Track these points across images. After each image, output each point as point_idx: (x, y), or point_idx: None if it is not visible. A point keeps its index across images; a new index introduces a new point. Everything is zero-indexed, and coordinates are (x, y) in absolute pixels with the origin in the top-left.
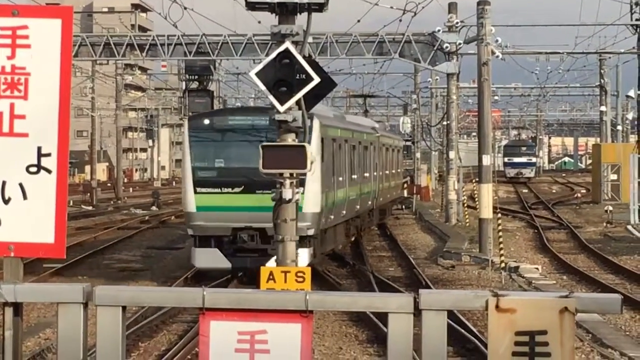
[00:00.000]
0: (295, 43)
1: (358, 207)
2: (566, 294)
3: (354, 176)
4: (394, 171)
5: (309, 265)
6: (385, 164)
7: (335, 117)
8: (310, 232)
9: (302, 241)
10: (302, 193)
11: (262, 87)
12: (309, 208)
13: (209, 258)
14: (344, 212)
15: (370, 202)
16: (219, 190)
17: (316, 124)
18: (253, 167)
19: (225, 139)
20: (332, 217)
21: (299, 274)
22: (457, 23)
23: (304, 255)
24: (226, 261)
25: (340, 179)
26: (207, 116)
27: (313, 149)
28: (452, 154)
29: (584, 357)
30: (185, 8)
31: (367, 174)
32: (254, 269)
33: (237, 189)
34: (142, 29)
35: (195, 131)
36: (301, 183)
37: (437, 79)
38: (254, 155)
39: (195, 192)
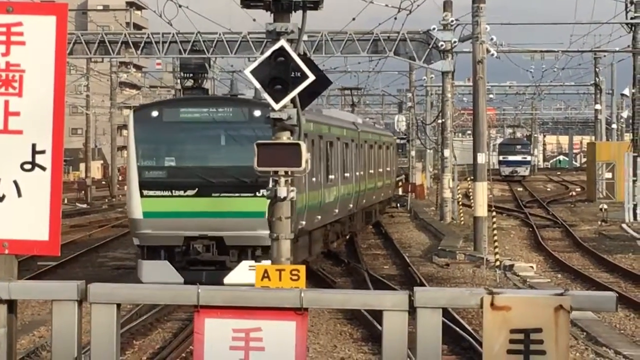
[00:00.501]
0: (290, 41)
1: (337, 210)
2: (561, 292)
3: (331, 176)
4: (381, 170)
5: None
6: (369, 162)
7: (308, 111)
8: (301, 224)
9: (265, 252)
10: (265, 196)
11: (257, 85)
12: None
13: (158, 272)
14: (319, 217)
15: (352, 205)
16: (169, 193)
17: None
18: (208, 166)
19: (177, 134)
20: (304, 223)
21: (294, 272)
22: (452, 21)
23: None
24: (178, 275)
25: (314, 180)
26: (155, 107)
27: None
28: (447, 152)
29: (578, 355)
30: (180, 6)
31: (347, 174)
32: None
33: (190, 192)
34: (137, 26)
35: (141, 125)
36: (263, 185)
37: (432, 77)
38: (210, 152)
39: (142, 196)
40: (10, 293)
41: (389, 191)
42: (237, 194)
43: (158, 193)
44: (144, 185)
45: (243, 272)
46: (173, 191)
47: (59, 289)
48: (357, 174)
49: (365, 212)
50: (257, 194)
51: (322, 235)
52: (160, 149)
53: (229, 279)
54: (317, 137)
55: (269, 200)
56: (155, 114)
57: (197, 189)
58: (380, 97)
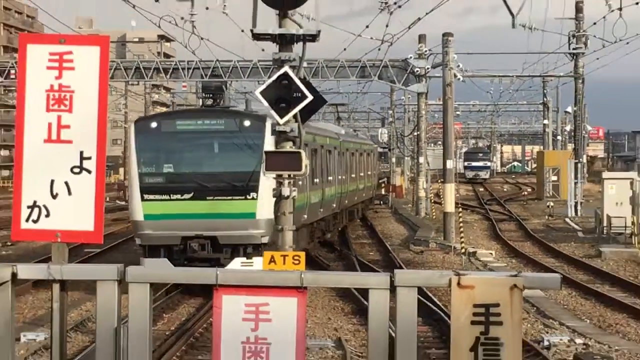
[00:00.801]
0: (292, 67)
1: (322, 210)
2: (515, 273)
3: (316, 180)
4: (362, 174)
5: None
6: (351, 167)
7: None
8: (265, 239)
9: (256, 250)
10: (255, 199)
11: (266, 104)
12: (263, 214)
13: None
14: (305, 216)
15: (335, 205)
16: (167, 197)
17: (269, 126)
18: (203, 172)
19: (174, 143)
20: (306, 216)
21: (296, 257)
22: (425, 51)
23: (259, 265)
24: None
25: (300, 182)
26: (154, 119)
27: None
28: (421, 159)
29: (529, 326)
30: (202, 38)
31: (330, 178)
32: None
33: (186, 196)
34: (167, 55)
35: (142, 135)
36: (253, 189)
37: (409, 97)
38: (204, 159)
39: (143, 200)
40: (62, 274)
41: (370, 192)
42: (229, 197)
43: (157, 197)
44: (144, 190)
45: (236, 268)
46: (171, 195)
47: (102, 271)
48: (340, 177)
49: (348, 211)
50: (248, 196)
51: (307, 233)
52: (159, 157)
53: None
54: (303, 145)
55: (259, 200)
56: (154, 125)
57: (192, 192)
58: (366, 114)
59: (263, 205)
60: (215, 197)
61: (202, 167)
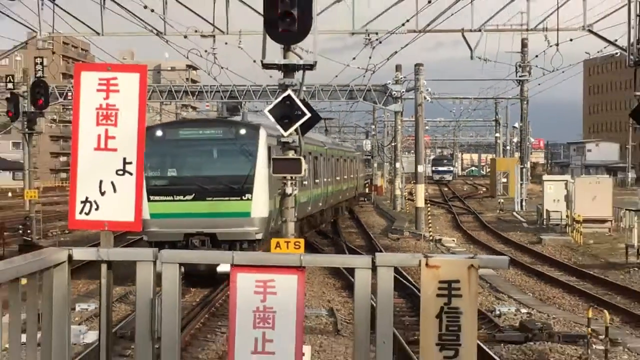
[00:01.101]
0: (294, 90)
1: (309, 208)
2: (472, 256)
3: (305, 182)
4: (345, 177)
5: None
6: (335, 171)
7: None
8: (259, 236)
9: (251, 245)
10: (250, 199)
11: (272, 120)
12: (257, 213)
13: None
14: (295, 213)
15: (321, 204)
16: (171, 198)
17: (262, 134)
18: (203, 175)
19: (178, 150)
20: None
21: (296, 244)
22: (401, 78)
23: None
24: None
25: (329, 178)
26: (160, 128)
27: (260, 158)
28: (398, 165)
29: (484, 299)
30: (221, 67)
31: (317, 180)
32: (205, 272)
33: (188, 197)
34: (193, 81)
35: (148, 142)
36: (248, 190)
37: (388, 115)
38: (204, 164)
39: (149, 200)
40: (109, 256)
41: (353, 192)
42: (226, 198)
43: (162, 198)
44: (150, 191)
45: None
46: (174, 196)
47: (141, 253)
48: (325, 180)
49: (334, 208)
50: (243, 197)
51: (297, 228)
52: (164, 162)
53: (220, 267)
54: (310, 153)
55: (253, 201)
56: (159, 133)
57: (194, 194)
58: (354, 128)
59: (257, 205)
60: (214, 198)
61: (202, 171)
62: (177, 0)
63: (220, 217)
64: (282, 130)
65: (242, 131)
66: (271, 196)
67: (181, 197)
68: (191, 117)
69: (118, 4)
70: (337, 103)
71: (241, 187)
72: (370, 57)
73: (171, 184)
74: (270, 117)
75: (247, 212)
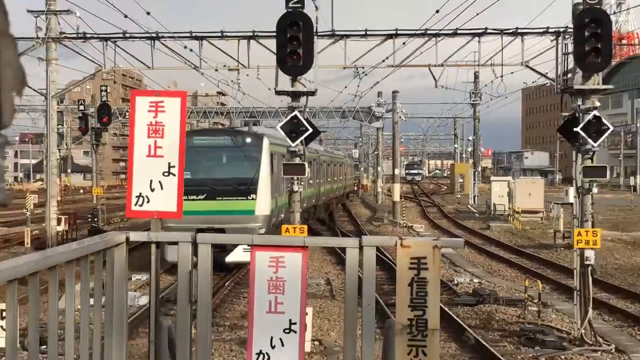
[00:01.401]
0: (299, 111)
1: (304, 205)
2: (436, 238)
3: (328, 179)
4: (335, 178)
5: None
6: (326, 174)
7: (284, 139)
8: (262, 231)
9: None
10: (254, 199)
11: (283, 134)
12: (261, 211)
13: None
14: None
15: (314, 200)
16: (186, 197)
17: (265, 142)
18: (214, 178)
19: (192, 155)
20: (282, 215)
21: (301, 229)
22: (382, 102)
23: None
24: (192, 256)
25: (321, 180)
26: None
27: (263, 163)
28: (379, 168)
29: (445, 271)
30: (244, 93)
31: (311, 181)
32: (215, 262)
33: (201, 196)
34: (222, 104)
35: None
36: (253, 191)
37: (371, 130)
38: (215, 168)
39: None
40: (157, 238)
41: (342, 191)
42: (234, 198)
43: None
44: None
45: (239, 253)
46: (189, 196)
47: (182, 236)
48: (317, 181)
49: (325, 204)
50: (248, 197)
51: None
52: None
53: (228, 258)
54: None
55: (257, 200)
56: None
57: (206, 194)
58: (345, 140)
59: (260, 204)
60: (223, 198)
61: (213, 174)
62: (210, 42)
63: (229, 215)
64: (290, 142)
65: (248, 140)
66: (272, 196)
67: (195, 197)
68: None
69: (164, 45)
70: (333, 121)
71: (247, 189)
72: (358, 86)
73: (186, 185)
74: (282, 131)
75: (251, 210)
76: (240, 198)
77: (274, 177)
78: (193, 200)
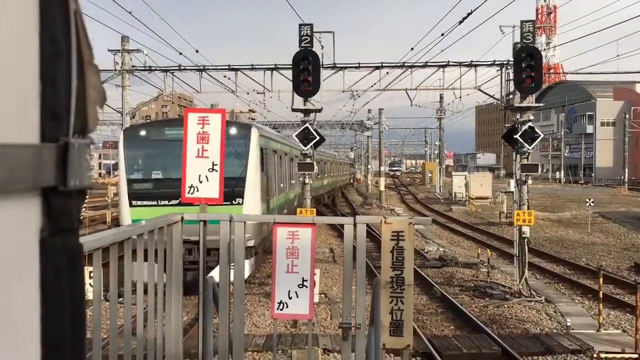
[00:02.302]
0: (310, 124)
1: (313, 194)
2: (411, 217)
3: (292, 181)
4: (332, 174)
5: (249, 275)
6: (329, 170)
7: (278, 135)
8: (250, 243)
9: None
10: (241, 204)
11: (297, 141)
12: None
13: (146, 274)
14: (285, 211)
15: (321, 190)
16: (155, 202)
17: (254, 134)
18: None
19: (162, 150)
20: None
21: (311, 211)
22: (371, 117)
23: (245, 267)
24: (163, 276)
25: (282, 185)
26: (143, 127)
27: (251, 160)
28: (369, 166)
29: (418, 242)
30: (268, 111)
31: (318, 176)
32: (192, 284)
33: (174, 201)
34: (252, 119)
35: (130, 142)
36: (240, 194)
37: (363, 138)
38: None
39: (131, 205)
40: (204, 217)
41: (339, 185)
42: (215, 203)
43: (145, 203)
44: (132, 196)
45: (215, 273)
46: (159, 201)
47: (223, 216)
48: (323, 175)
49: (328, 193)
50: (234, 202)
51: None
52: (147, 164)
53: (210, 277)
54: (294, 156)
55: (244, 205)
56: (143, 133)
57: (179, 198)
58: (344, 145)
59: (249, 210)
60: (202, 203)
61: None
62: (243, 72)
63: (209, 224)
64: (302, 146)
65: (233, 131)
66: (263, 199)
67: (166, 202)
68: None
69: (209, 74)
70: (334, 131)
71: (232, 191)
72: (353, 105)
73: (155, 187)
74: (297, 139)
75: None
76: (223, 203)
77: (266, 176)
78: (164, 206)
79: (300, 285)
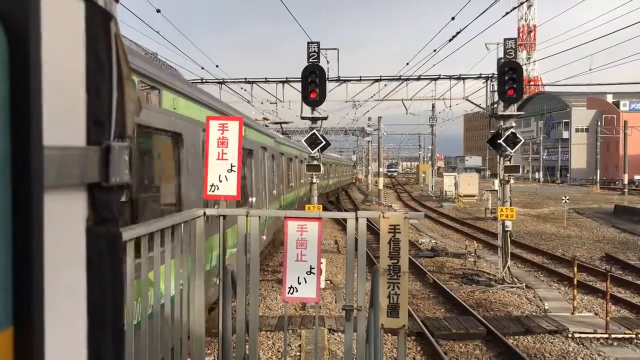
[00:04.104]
0: (317, 130)
1: (320, 192)
2: (406, 212)
3: (292, 184)
4: (331, 175)
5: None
6: (332, 172)
7: (301, 147)
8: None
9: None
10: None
11: (306, 145)
12: None
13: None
14: (296, 206)
15: (327, 189)
16: None
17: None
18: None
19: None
20: (264, 237)
21: (318, 207)
22: (371, 124)
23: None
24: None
25: (281, 186)
26: None
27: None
28: (369, 168)
29: (412, 235)
30: (280, 119)
31: (302, 180)
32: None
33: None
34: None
35: None
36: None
37: (364, 142)
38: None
39: None
40: (223, 213)
41: (343, 184)
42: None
43: None
44: None
45: None
46: None
47: (239, 211)
48: (328, 176)
49: (333, 192)
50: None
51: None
52: None
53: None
54: (303, 159)
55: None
56: None
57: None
58: (347, 149)
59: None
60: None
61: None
62: (258, 85)
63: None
64: (310, 150)
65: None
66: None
67: None
68: None
69: (228, 87)
70: (338, 137)
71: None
72: (355, 114)
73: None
74: (304, 143)
75: None
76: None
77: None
78: None
79: (308, 272)
